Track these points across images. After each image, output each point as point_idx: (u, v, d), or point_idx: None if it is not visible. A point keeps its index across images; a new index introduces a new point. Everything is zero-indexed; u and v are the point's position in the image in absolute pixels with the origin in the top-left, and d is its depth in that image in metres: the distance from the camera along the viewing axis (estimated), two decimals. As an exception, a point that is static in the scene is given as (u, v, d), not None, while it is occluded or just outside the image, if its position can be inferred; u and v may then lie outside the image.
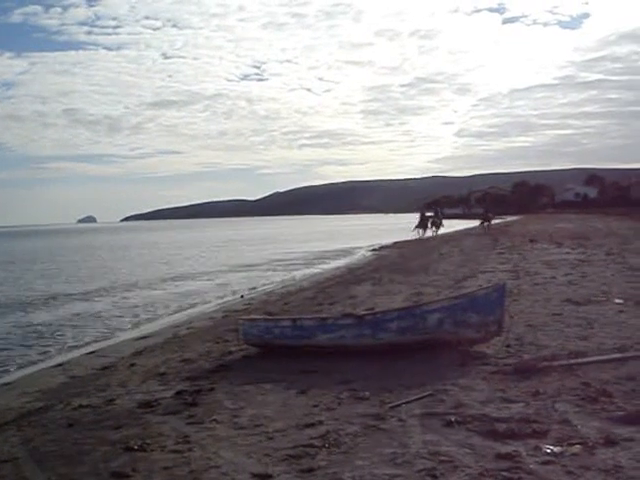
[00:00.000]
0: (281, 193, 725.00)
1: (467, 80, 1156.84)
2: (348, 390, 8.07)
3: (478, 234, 53.84)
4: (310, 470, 5.65)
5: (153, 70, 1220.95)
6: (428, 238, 54.41)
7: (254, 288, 26.67)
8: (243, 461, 6.00)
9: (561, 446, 5.80)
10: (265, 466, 5.83)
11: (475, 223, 71.98)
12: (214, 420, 7.32)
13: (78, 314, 21.35)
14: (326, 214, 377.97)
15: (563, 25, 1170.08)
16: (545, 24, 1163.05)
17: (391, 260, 33.08)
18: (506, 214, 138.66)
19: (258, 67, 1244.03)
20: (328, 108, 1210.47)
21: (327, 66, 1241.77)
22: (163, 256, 53.66)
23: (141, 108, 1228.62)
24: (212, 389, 8.71)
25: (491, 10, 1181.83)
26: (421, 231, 57.95)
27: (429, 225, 59.67)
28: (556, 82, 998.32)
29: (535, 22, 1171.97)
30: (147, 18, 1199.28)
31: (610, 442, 5.81)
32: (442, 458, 5.67)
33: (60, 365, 13.09)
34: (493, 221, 64.20)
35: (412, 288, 18.28)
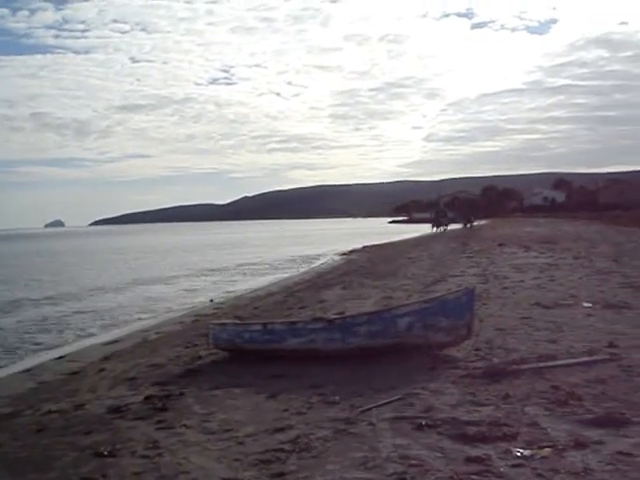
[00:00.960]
0: (250, 197, 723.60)
1: (436, 85, 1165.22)
2: (318, 394, 8.05)
3: (448, 238, 54.09)
4: (281, 475, 5.62)
5: (122, 74, 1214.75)
6: (407, 239, 55.19)
7: (224, 292, 26.57)
8: (213, 466, 5.95)
9: (531, 449, 5.82)
10: (235, 471, 5.79)
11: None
12: (184, 425, 7.27)
13: (44, 319, 21.16)
14: (295, 218, 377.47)
15: (531, 30, 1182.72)
16: (513, 29, 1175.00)
17: (361, 264, 33.13)
18: (475, 218, 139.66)
19: (227, 71, 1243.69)
20: (297, 112, 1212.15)
21: (296, 70, 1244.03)
22: (131, 260, 53.39)
23: (110, 112, 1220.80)
24: (182, 394, 8.65)
25: (459, 15, 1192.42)
26: (435, 228, 76.55)
27: (441, 224, 77.64)
28: (524, 87, 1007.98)
29: (503, 27, 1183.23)
30: (115, 22, 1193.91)
31: (580, 445, 5.85)
32: (412, 462, 5.67)
33: (28, 370, 12.95)
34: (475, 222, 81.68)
35: (382, 292, 18.31)
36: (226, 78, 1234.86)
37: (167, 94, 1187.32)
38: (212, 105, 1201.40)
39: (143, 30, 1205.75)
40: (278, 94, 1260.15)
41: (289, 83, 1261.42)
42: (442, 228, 76.76)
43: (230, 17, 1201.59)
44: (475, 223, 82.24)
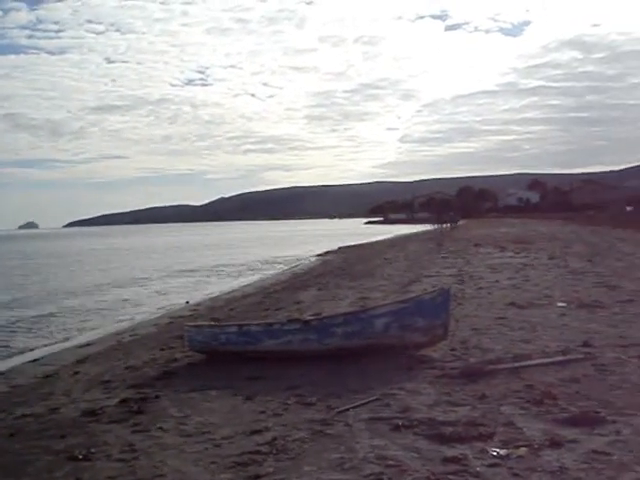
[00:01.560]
0: (226, 198, 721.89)
1: (411, 86, 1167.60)
2: (295, 396, 8.04)
3: (424, 239, 54.28)
4: (257, 477, 5.60)
5: (96, 74, 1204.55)
6: (383, 240, 55.29)
7: (200, 294, 26.48)
8: (190, 469, 5.92)
9: (507, 449, 5.85)
10: (212, 474, 5.76)
11: (422, 227, 75.83)
12: (160, 428, 7.23)
13: (17, 321, 20.95)
14: (271, 219, 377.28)
15: (505, 32, 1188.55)
16: (487, 31, 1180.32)
17: (337, 265, 33.17)
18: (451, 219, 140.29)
19: (202, 72, 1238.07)
20: (273, 113, 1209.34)
21: (271, 71, 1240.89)
22: (105, 262, 52.97)
23: (84, 112, 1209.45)
24: (157, 397, 8.60)
25: (434, 17, 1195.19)
26: (439, 226, 78.91)
27: (446, 223, 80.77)
28: (498, 88, 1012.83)
29: (477, 29, 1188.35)
30: (90, 22, 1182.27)
31: (555, 444, 5.88)
32: (389, 462, 5.67)
33: (1, 374, 12.82)
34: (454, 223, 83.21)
35: (358, 293, 18.33)
36: (201, 79, 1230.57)
37: (142, 95, 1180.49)
38: (188, 106, 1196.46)
39: (118, 31, 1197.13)
40: (253, 95, 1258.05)
41: (265, 84, 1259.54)
42: (445, 226, 79.13)
43: (205, 18, 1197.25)
44: (457, 223, 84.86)
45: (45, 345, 16.51)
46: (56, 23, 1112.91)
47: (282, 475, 5.59)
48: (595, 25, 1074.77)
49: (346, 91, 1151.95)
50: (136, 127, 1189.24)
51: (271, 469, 5.74)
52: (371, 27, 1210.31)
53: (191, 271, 39.24)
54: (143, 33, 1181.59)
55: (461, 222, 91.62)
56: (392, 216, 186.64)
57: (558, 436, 6.06)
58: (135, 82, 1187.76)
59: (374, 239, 67.48)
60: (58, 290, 30.66)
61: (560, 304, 14.05)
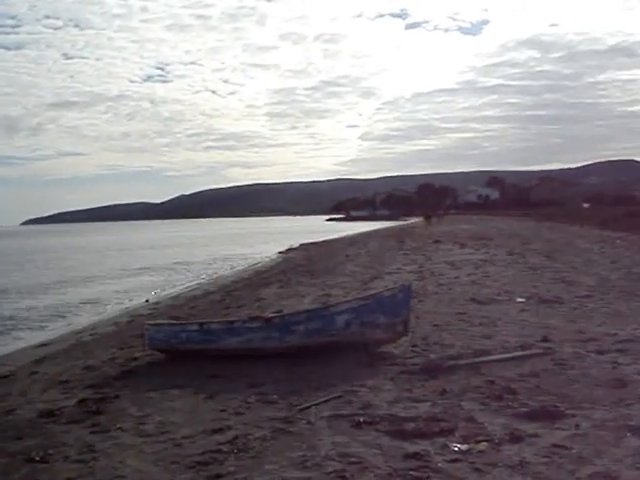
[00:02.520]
0: (187, 196, 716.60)
1: (371, 84, 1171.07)
2: (256, 394, 8.00)
3: (385, 236, 54.51)
4: (218, 476, 5.56)
5: (54, 70, 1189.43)
6: (345, 237, 55.50)
7: (160, 292, 26.29)
8: (150, 469, 5.87)
9: (468, 444, 5.88)
10: (172, 474, 5.71)
11: (383, 225, 76.26)
12: (119, 428, 7.14)
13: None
14: (233, 217, 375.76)
15: (464, 31, 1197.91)
16: (446, 30, 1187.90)
17: (298, 262, 33.13)
18: (411, 215, 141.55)
19: (162, 68, 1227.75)
20: (233, 110, 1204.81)
21: (232, 68, 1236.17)
22: (62, 260, 52.27)
23: (41, 109, 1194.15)
24: (117, 396, 8.50)
25: (394, 15, 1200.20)
26: (426, 221, 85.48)
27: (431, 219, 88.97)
28: (457, 87, 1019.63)
29: (437, 28, 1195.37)
30: (47, 17, 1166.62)
31: (515, 438, 5.93)
32: (351, 459, 5.67)
33: (-44, 375, 12.57)
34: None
35: (320, 290, 18.33)
36: (161, 75, 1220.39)
37: (101, 91, 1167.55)
38: (147, 102, 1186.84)
39: (76, 26, 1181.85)
40: (214, 92, 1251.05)
41: (225, 81, 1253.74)
42: (431, 220, 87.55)
43: (165, 14, 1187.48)
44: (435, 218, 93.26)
45: (0, 345, 16.24)
46: (13, 18, 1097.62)
47: (244, 474, 5.55)
48: (553, 25, 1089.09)
49: (307, 88, 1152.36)
50: (94, 124, 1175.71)
51: (232, 468, 5.70)
52: (331, 25, 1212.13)
53: (150, 269, 38.92)
54: (102, 29, 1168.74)
55: (421, 219, 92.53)
56: (354, 213, 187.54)
57: (518, 431, 6.11)
58: (93, 78, 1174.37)
59: (336, 236, 67.63)
60: (13, 289, 30.12)
61: (519, 300, 14.19)
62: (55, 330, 18.29)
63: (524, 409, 6.77)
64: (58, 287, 30.62)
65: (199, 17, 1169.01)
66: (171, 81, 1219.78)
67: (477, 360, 8.82)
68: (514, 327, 11.21)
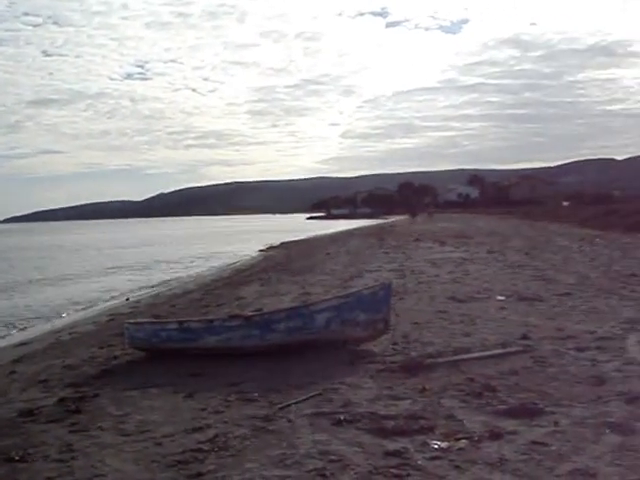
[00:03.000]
0: (167, 194, 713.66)
1: (352, 82, 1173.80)
2: (236, 392, 7.98)
3: (366, 234, 54.59)
4: (198, 475, 5.54)
5: (33, 68, 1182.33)
6: (325, 235, 55.60)
7: (140, 290, 26.18)
8: (130, 468, 5.84)
9: (448, 441, 5.90)
10: (152, 473, 5.69)
11: (363, 223, 76.84)
12: (99, 427, 7.10)
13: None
14: (213, 215, 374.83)
15: (444, 30, 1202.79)
16: (427, 28, 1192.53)
17: (279, 260, 33.12)
18: (392, 214, 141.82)
19: (142, 66, 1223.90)
20: (214, 108, 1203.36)
21: (212, 66, 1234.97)
22: (40, 259, 51.84)
23: (20, 106, 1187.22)
24: (96, 395, 8.46)
25: (374, 14, 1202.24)
26: (411, 218, 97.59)
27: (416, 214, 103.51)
28: (438, 85, 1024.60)
29: (417, 26, 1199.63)
30: (27, 14, 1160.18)
31: (495, 436, 5.96)
32: (331, 457, 5.67)
33: None
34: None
35: (300, 288, 18.31)
36: (141, 73, 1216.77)
37: (80, 89, 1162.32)
38: (127, 100, 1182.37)
39: (55, 23, 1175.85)
40: (194, 90, 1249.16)
41: (205, 79, 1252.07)
42: (416, 218, 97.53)
43: (145, 12, 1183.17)
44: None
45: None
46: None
47: (224, 472, 5.54)
48: (532, 24, 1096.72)
49: (287, 86, 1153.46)
50: (74, 121, 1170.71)
51: (212, 466, 5.69)
52: (312, 23, 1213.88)
53: (129, 268, 38.74)
54: (81, 26, 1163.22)
55: (401, 217, 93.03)
56: (334, 212, 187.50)
57: (498, 428, 6.14)
58: (73, 76, 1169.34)
59: (316, 234, 67.61)
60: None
61: (499, 297, 14.25)
62: (34, 329, 18.18)
63: (504, 406, 6.80)
64: (37, 286, 30.42)
65: (179, 15, 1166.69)
66: (151, 79, 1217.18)
67: (457, 358, 8.85)
68: (494, 325, 11.25)
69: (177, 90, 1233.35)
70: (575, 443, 5.73)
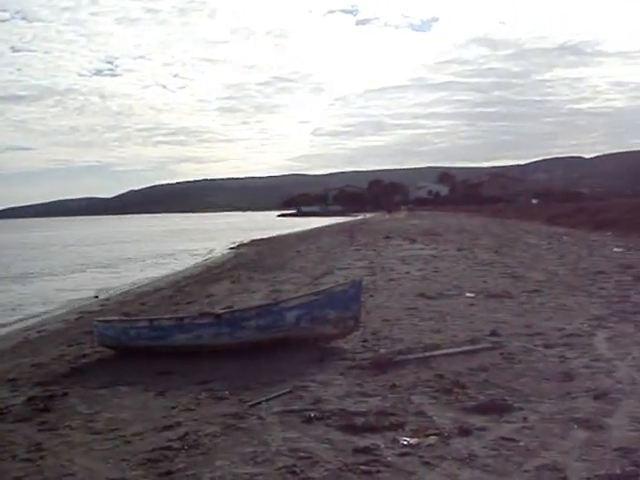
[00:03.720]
0: (137, 191, 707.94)
1: (322, 80, 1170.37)
2: (207, 390, 7.97)
3: (337, 231, 54.67)
4: (169, 473, 5.53)
5: (1, 63, 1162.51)
6: (296, 233, 55.86)
7: (109, 288, 25.99)
8: (99, 467, 5.81)
9: (417, 437, 5.93)
10: (122, 471, 5.66)
11: (334, 220, 77.01)
12: (68, 426, 7.06)
13: None
14: (183, 212, 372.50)
15: (414, 28, 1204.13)
16: (397, 27, 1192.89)
17: (249, 258, 33.06)
18: (362, 211, 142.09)
19: (111, 62, 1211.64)
20: (184, 105, 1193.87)
21: (182, 63, 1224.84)
22: (8, 256, 51.22)
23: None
24: (66, 394, 8.40)
25: (345, 11, 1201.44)
26: (387, 215, 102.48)
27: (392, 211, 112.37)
28: (408, 83, 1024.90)
29: (387, 24, 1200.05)
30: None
31: (464, 432, 6.00)
32: (302, 454, 5.69)
33: None
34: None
35: (270, 286, 18.31)
36: (110, 69, 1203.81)
37: (49, 85, 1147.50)
38: (96, 97, 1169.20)
39: (24, 19, 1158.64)
40: (164, 86, 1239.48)
41: (175, 75, 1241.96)
42: (390, 215, 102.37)
43: (114, 7, 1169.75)
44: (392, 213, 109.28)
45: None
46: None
47: (194, 470, 5.53)
48: (502, 23, 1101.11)
49: (258, 83, 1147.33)
50: (43, 118, 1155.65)
51: (183, 465, 5.68)
52: (282, 20, 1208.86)
53: (100, 265, 38.45)
54: (50, 22, 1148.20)
55: (372, 215, 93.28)
56: (305, 209, 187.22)
57: (467, 424, 6.18)
58: (41, 72, 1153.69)
59: (287, 232, 67.54)
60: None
61: (469, 294, 14.34)
62: (2, 328, 17.97)
63: (473, 403, 6.85)
64: (3, 284, 30.05)
65: (149, 11, 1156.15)
66: (120, 75, 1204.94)
67: (427, 354, 8.90)
68: (463, 321, 11.33)
69: (147, 87, 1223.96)
70: (543, 439, 5.79)
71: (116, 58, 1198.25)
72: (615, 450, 5.46)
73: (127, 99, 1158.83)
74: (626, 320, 10.94)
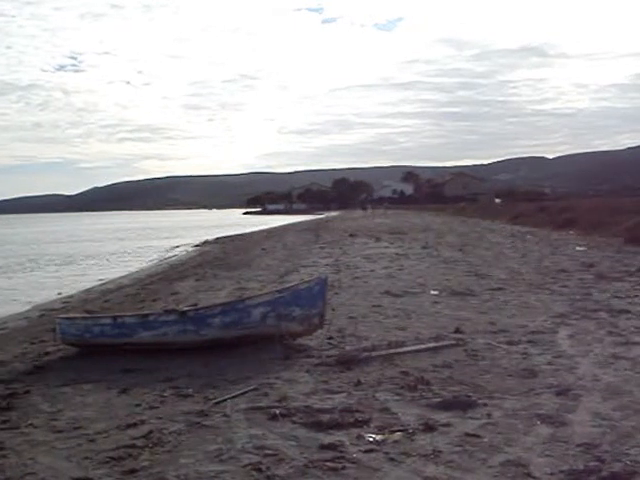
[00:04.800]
0: (100, 188, 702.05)
1: (288, 77, 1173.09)
2: (171, 388, 7.92)
3: (302, 229, 54.64)
4: (133, 471, 5.49)
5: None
6: (261, 231, 55.89)
7: (72, 285, 25.70)
8: (62, 465, 5.74)
9: (383, 434, 5.95)
10: (85, 470, 5.61)
11: (299, 218, 76.88)
12: (30, 424, 6.97)
13: None
14: (147, 209, 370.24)
15: (380, 27, 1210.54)
16: (362, 25, 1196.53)
17: (214, 255, 32.90)
18: (327, 209, 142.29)
19: (75, 58, 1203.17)
20: (148, 102, 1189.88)
21: (147, 59, 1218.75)
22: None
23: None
24: (28, 392, 8.29)
25: (310, 10, 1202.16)
26: (362, 212, 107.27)
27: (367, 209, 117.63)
28: (373, 82, 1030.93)
29: (353, 23, 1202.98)
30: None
31: (429, 428, 6.04)
32: (267, 452, 5.67)
33: None
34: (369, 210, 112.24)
35: (236, 283, 18.26)
36: (74, 65, 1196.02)
37: (11, 80, 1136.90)
38: (59, 92, 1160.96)
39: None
40: (129, 83, 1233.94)
41: (140, 72, 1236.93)
42: (368, 211, 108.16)
43: (78, 2, 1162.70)
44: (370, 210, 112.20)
45: None
46: None
47: (158, 468, 5.50)
48: (466, 23, 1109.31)
49: (224, 81, 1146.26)
50: (5, 113, 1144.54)
51: (147, 463, 5.64)
52: (248, 17, 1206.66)
53: (63, 262, 38.02)
54: (12, 16, 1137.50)
55: (337, 213, 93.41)
56: (270, 207, 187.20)
57: (432, 420, 6.22)
58: (4, 67, 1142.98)
59: (252, 230, 67.38)
60: None
61: (433, 292, 14.43)
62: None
63: (437, 399, 6.89)
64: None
65: (113, 6, 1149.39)
66: (84, 71, 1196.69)
67: (392, 351, 8.93)
68: (428, 319, 11.39)
69: (111, 83, 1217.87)
70: (507, 435, 5.84)
71: (80, 54, 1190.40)
72: (578, 446, 5.53)
73: (91, 95, 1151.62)
74: (588, 317, 11.09)
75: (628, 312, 11.45)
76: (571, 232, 33.12)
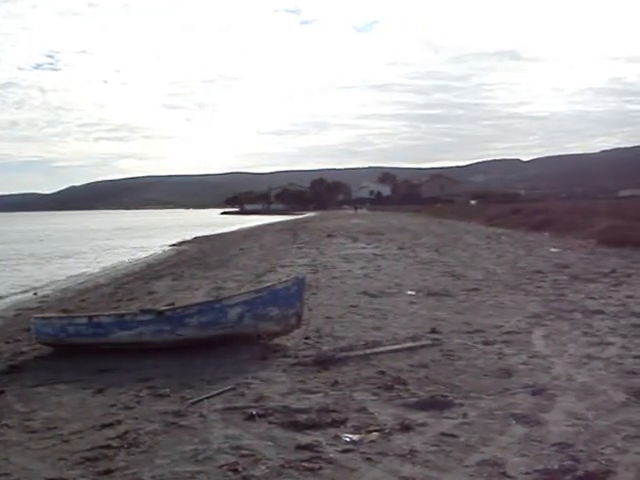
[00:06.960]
0: (77, 187, 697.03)
1: (267, 78, 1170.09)
2: (147, 388, 7.89)
3: (279, 229, 54.62)
4: (108, 472, 5.45)
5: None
6: (239, 230, 55.64)
7: (48, 285, 25.51)
8: (36, 466, 5.70)
9: (359, 434, 5.96)
10: (60, 470, 5.57)
11: (277, 219, 76.99)
12: (4, 425, 6.91)
13: None
14: (125, 209, 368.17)
15: (358, 29, 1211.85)
16: (340, 27, 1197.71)
17: (191, 255, 32.81)
18: (305, 210, 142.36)
19: (52, 56, 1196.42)
20: (126, 101, 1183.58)
21: (125, 58, 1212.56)
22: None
23: None
24: (2, 392, 8.21)
25: (288, 11, 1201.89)
26: (352, 211, 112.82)
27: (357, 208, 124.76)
28: (351, 84, 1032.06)
29: (331, 25, 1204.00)
30: None
31: (405, 428, 6.05)
32: (244, 452, 5.67)
33: None
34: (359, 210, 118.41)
35: (213, 283, 18.21)
36: (51, 63, 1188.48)
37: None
38: (36, 91, 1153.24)
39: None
40: (106, 82, 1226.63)
41: (118, 71, 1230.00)
42: (358, 211, 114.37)
43: (55, 0, 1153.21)
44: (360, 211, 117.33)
45: None
46: None
47: (134, 469, 5.47)
48: (443, 26, 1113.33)
49: (202, 81, 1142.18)
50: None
51: (122, 463, 5.61)
52: (228, 18, 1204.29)
53: (38, 262, 37.70)
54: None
55: (314, 213, 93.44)
56: (248, 207, 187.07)
57: (408, 420, 6.24)
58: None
59: (230, 229, 67.26)
60: None
61: (409, 292, 14.47)
62: None
63: (414, 399, 6.91)
64: None
65: (91, 5, 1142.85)
66: (61, 69, 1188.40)
67: (368, 351, 8.95)
68: (404, 319, 11.42)
69: (88, 81, 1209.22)
70: (483, 434, 5.87)
71: (57, 52, 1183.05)
72: (553, 445, 5.57)
73: (68, 94, 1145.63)
74: (562, 318, 11.17)
75: (602, 313, 11.54)
76: (546, 234, 33.33)
